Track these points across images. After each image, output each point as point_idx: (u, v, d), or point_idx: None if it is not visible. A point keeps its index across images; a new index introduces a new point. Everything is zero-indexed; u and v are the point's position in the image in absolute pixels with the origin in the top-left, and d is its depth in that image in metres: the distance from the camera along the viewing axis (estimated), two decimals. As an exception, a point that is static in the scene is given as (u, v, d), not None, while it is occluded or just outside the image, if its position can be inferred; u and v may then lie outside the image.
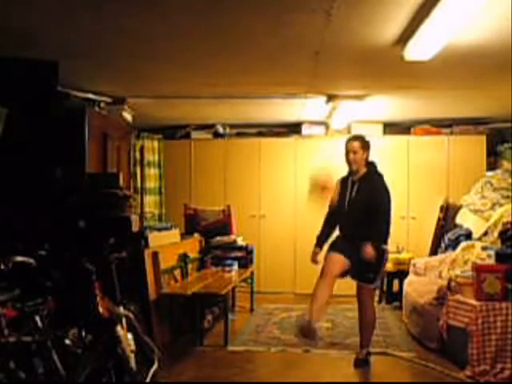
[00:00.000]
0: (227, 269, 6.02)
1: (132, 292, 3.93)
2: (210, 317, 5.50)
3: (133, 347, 3.27)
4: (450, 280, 4.71)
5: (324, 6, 3.14)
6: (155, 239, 5.03)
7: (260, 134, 7.98)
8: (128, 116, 5.95)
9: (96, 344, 3.23)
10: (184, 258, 5.63)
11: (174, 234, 5.71)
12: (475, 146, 7.33)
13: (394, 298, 6.79)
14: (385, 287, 6.91)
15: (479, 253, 5.37)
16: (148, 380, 3.31)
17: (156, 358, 3.45)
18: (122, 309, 3.31)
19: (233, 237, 6.67)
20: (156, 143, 7.79)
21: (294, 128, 7.78)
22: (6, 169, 4.07)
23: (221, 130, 7.89)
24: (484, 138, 7.35)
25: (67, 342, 3.15)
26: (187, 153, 7.90)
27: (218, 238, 6.57)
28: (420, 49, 3.70)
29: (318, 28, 3.55)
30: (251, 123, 7.84)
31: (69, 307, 3.30)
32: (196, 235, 6.41)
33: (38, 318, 2.94)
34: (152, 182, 7.61)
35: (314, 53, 4.15)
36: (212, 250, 6.45)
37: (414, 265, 6.28)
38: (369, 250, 4.25)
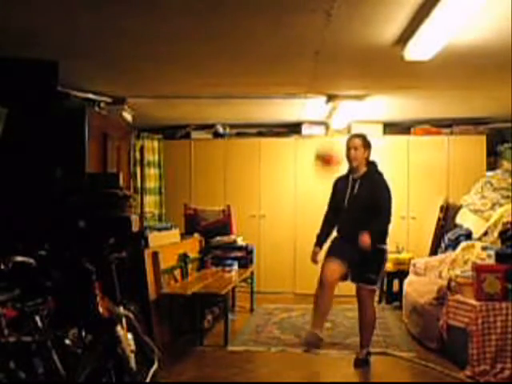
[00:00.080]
0: (227, 269, 6.02)
1: (132, 292, 3.93)
2: (209, 317, 5.50)
3: (133, 347, 3.27)
4: (449, 280, 4.71)
5: (324, 6, 3.14)
6: (155, 239, 5.03)
7: (260, 134, 7.98)
8: (128, 116, 5.95)
9: (96, 344, 3.23)
10: (184, 257, 5.63)
11: (174, 234, 5.71)
12: (475, 145, 7.33)
13: (394, 298, 6.79)
14: (385, 287, 6.91)
15: (479, 253, 5.37)
16: (148, 380, 3.31)
17: (156, 358, 3.45)
18: (121, 309, 3.31)
19: (233, 237, 6.67)
20: (156, 143, 7.79)
21: (293, 128, 7.78)
22: (6, 169, 4.07)
23: (221, 129, 7.89)
24: (484, 137, 7.34)
25: (67, 342, 3.15)
26: (187, 153, 7.90)
27: (218, 238, 6.57)
28: (420, 49, 3.70)
29: (318, 28, 3.55)
30: (251, 123, 7.83)
31: (69, 307, 3.30)
32: (196, 235, 6.41)
33: (38, 318, 2.94)
34: (152, 182, 7.61)
35: (314, 53, 4.15)
36: (212, 250, 6.45)
37: (414, 265, 6.28)
38: (365, 239, 4.24)
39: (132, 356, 3.23)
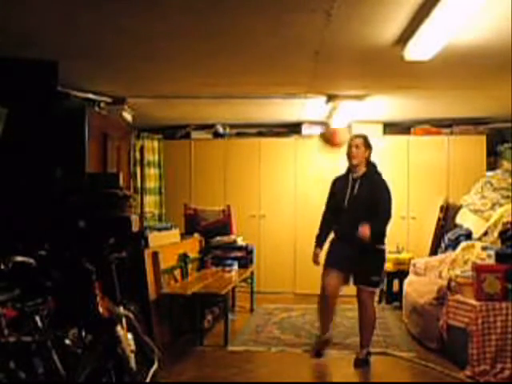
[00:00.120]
0: (227, 269, 6.02)
1: (132, 292, 3.93)
2: (210, 317, 5.50)
3: (133, 347, 3.27)
4: (450, 280, 4.71)
5: (324, 6, 3.14)
6: (155, 239, 5.03)
7: (260, 134, 7.98)
8: (128, 116, 5.95)
9: (96, 344, 3.23)
10: (184, 257, 5.64)
11: (174, 234, 5.71)
12: (475, 145, 7.33)
13: (394, 298, 6.79)
14: (385, 287, 6.90)
15: (479, 253, 5.37)
16: (148, 380, 3.31)
17: (156, 358, 3.45)
18: (121, 309, 3.31)
19: (233, 237, 6.67)
20: (156, 143, 7.79)
21: (293, 128, 7.78)
22: (6, 169, 4.07)
23: (221, 129, 7.89)
24: (484, 137, 7.35)
25: (67, 342, 3.15)
26: (187, 153, 7.90)
27: (218, 238, 6.57)
28: (420, 49, 3.70)
29: (318, 28, 3.55)
30: (251, 123, 7.83)
31: (69, 307, 3.30)
32: (196, 235, 6.41)
33: (38, 318, 2.94)
34: (152, 182, 7.61)
35: (314, 53, 4.15)
36: (212, 250, 6.45)
37: (414, 265, 6.28)
38: (365, 230, 4.24)
39: (132, 356, 3.23)
